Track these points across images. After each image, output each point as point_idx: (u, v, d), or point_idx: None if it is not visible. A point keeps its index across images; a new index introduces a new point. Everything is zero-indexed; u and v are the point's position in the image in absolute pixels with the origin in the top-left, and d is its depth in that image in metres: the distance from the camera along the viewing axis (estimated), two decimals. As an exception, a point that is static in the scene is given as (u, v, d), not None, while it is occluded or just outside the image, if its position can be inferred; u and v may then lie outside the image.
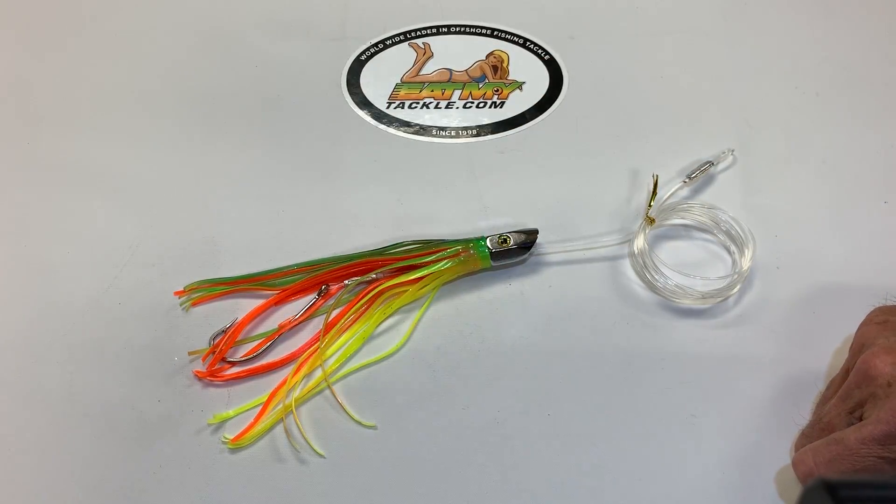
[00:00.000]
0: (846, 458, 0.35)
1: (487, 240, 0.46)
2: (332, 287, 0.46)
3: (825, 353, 0.43)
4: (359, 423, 0.41)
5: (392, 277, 0.45)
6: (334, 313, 0.44)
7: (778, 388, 0.42)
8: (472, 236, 0.47)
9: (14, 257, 0.49)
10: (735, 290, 0.46)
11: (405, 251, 0.46)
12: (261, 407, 0.41)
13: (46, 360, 0.44)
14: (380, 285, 0.45)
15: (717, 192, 0.51)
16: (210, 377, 0.43)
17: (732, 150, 0.52)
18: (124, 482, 0.40)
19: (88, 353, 0.44)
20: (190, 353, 0.44)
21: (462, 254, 0.46)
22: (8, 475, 0.40)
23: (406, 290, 0.45)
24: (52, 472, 0.40)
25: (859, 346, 0.38)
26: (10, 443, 0.41)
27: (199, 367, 0.43)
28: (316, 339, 0.44)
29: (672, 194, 0.50)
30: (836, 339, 0.44)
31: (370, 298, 0.45)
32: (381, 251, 0.47)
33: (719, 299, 0.45)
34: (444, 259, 0.46)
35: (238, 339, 0.44)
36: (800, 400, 0.41)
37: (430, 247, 0.46)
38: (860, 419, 0.36)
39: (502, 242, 0.46)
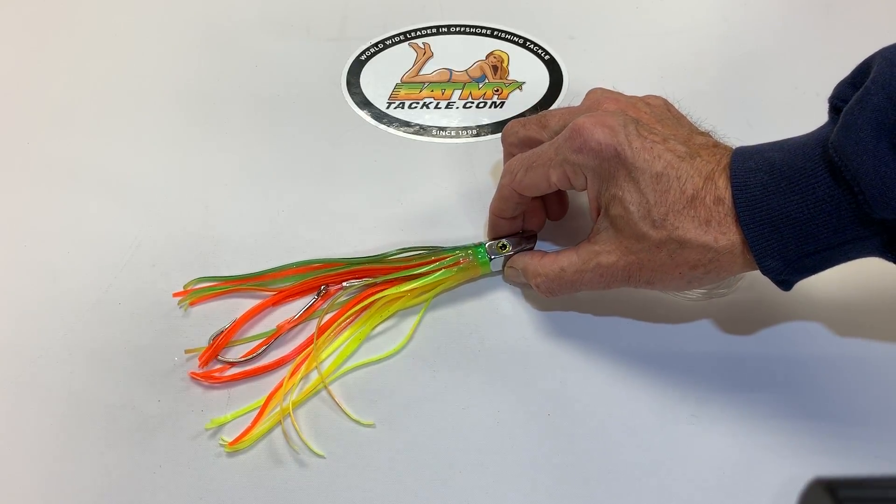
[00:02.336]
0: (536, 157, 0.42)
1: (486, 245, 0.46)
2: (331, 288, 0.46)
3: (824, 353, 0.43)
4: (357, 422, 0.41)
5: (391, 285, 0.45)
6: (327, 317, 0.44)
7: (777, 387, 0.42)
8: (471, 238, 0.48)
9: (14, 257, 0.49)
10: (735, 288, 0.46)
11: (404, 259, 0.46)
12: (258, 410, 0.41)
13: (46, 360, 0.44)
14: (378, 293, 0.45)
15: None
16: (205, 378, 0.43)
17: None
18: (124, 482, 0.39)
19: (88, 353, 0.44)
20: (186, 352, 0.44)
21: (462, 262, 0.46)
22: (7, 475, 0.40)
23: (404, 297, 0.45)
24: (51, 471, 0.40)
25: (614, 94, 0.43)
26: (10, 443, 0.41)
27: (199, 367, 0.43)
28: (312, 342, 0.44)
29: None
30: (837, 340, 0.44)
31: (366, 305, 0.45)
32: (380, 258, 0.46)
33: (720, 298, 0.45)
34: (444, 268, 0.45)
35: (235, 339, 0.44)
36: (799, 398, 0.41)
37: (430, 255, 0.46)
38: None
39: (501, 248, 0.46)
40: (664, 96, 0.44)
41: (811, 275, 0.37)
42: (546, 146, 0.42)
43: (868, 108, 0.32)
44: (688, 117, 0.43)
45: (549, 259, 0.43)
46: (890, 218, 0.33)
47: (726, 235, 0.36)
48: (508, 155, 0.47)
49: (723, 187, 0.36)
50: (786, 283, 0.37)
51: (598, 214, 0.41)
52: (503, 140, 0.47)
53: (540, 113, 0.45)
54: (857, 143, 0.32)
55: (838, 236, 0.34)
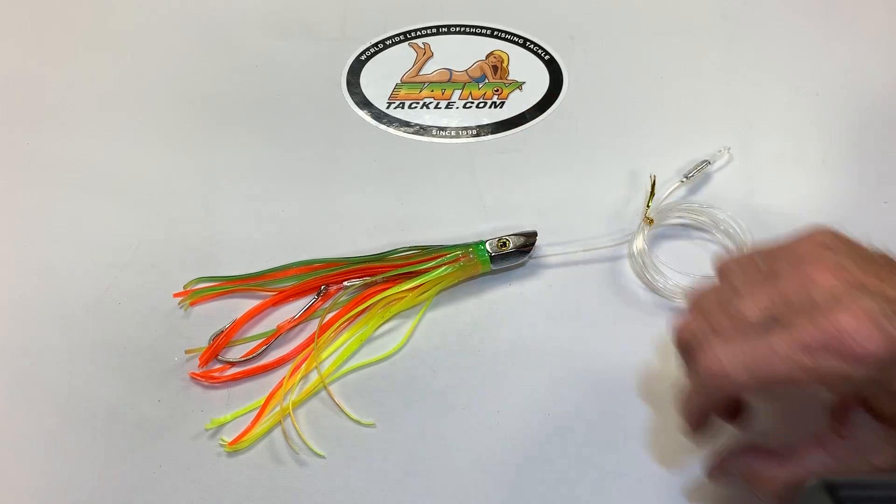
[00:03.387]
0: (767, 361, 0.31)
1: (487, 244, 0.46)
2: (331, 288, 0.46)
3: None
4: (357, 422, 0.41)
5: (392, 284, 0.45)
6: (328, 316, 0.44)
7: (778, 388, 0.42)
8: (471, 238, 0.48)
9: (14, 257, 0.49)
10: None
11: (405, 257, 0.46)
12: (258, 410, 0.41)
13: (46, 360, 0.44)
14: (380, 293, 0.45)
15: (717, 192, 0.51)
16: (205, 378, 0.43)
17: (729, 149, 0.52)
18: (124, 482, 0.40)
19: (88, 353, 0.44)
20: (187, 352, 0.44)
21: (462, 259, 0.46)
22: (8, 475, 0.40)
23: (406, 297, 0.45)
24: (51, 471, 0.40)
25: (796, 257, 0.33)
26: (10, 443, 0.41)
27: (199, 367, 0.43)
28: (312, 342, 0.44)
29: (670, 194, 0.50)
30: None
31: (367, 306, 0.45)
32: (381, 256, 0.46)
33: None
34: (445, 265, 0.45)
35: (235, 339, 0.44)
36: (800, 400, 0.41)
37: (430, 252, 0.46)
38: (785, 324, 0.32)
39: (501, 246, 0.46)
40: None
41: None
42: (775, 343, 0.31)
43: None
44: (860, 244, 0.34)
45: (792, 464, 0.34)
46: None
47: None
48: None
49: None
50: None
51: (846, 408, 0.34)
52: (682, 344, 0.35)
53: (740, 305, 0.33)
54: None
55: None
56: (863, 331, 0.29)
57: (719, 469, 0.37)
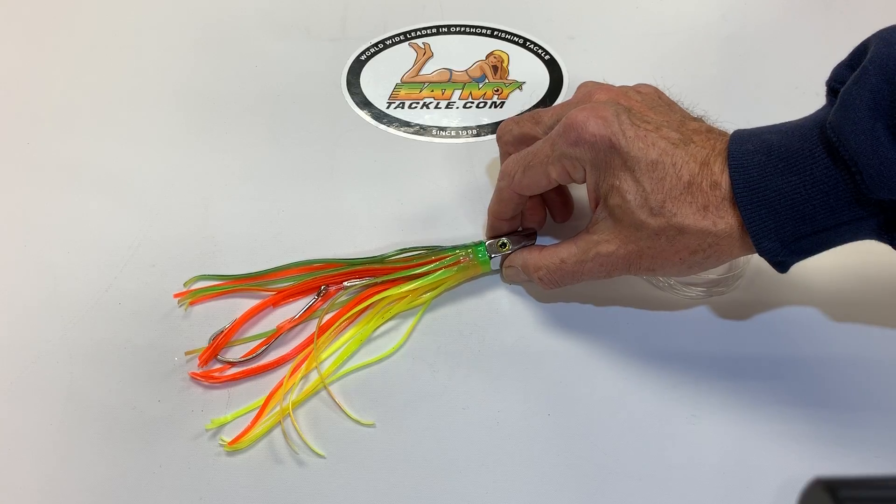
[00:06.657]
0: (535, 160, 0.41)
1: (487, 244, 0.46)
2: (331, 288, 0.46)
3: (824, 353, 0.43)
4: (357, 422, 0.41)
5: (391, 286, 0.45)
6: (327, 317, 0.44)
7: (778, 387, 0.42)
8: (471, 238, 0.48)
9: (14, 257, 0.49)
10: (736, 286, 0.46)
11: (405, 259, 0.46)
12: (258, 410, 0.41)
13: (46, 360, 0.44)
14: (379, 294, 0.45)
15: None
16: (205, 378, 0.43)
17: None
18: (124, 482, 0.39)
19: (88, 353, 0.44)
20: (186, 353, 0.44)
21: (462, 261, 0.46)
22: (7, 475, 0.40)
23: (405, 297, 0.45)
24: (51, 472, 0.40)
25: (606, 89, 0.43)
26: (10, 443, 0.41)
27: (199, 366, 0.43)
28: (312, 342, 0.44)
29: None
30: (837, 340, 0.44)
31: (367, 305, 0.45)
32: (380, 258, 0.46)
33: (720, 296, 0.45)
34: (444, 267, 0.45)
35: (234, 339, 0.44)
36: (800, 398, 0.41)
37: (430, 254, 0.46)
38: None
39: (501, 246, 0.46)
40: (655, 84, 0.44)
41: (808, 256, 0.37)
42: (541, 143, 0.42)
43: (865, 89, 0.33)
44: (679, 104, 0.43)
45: (549, 251, 0.43)
46: (887, 198, 0.33)
47: (724, 219, 0.36)
48: (505, 154, 0.47)
49: (718, 172, 0.36)
50: (782, 265, 0.37)
51: (597, 205, 0.41)
52: (498, 140, 0.47)
53: (533, 110, 0.46)
54: (855, 123, 0.32)
55: (835, 217, 0.35)
56: (588, 122, 0.38)
57: (506, 265, 0.46)
